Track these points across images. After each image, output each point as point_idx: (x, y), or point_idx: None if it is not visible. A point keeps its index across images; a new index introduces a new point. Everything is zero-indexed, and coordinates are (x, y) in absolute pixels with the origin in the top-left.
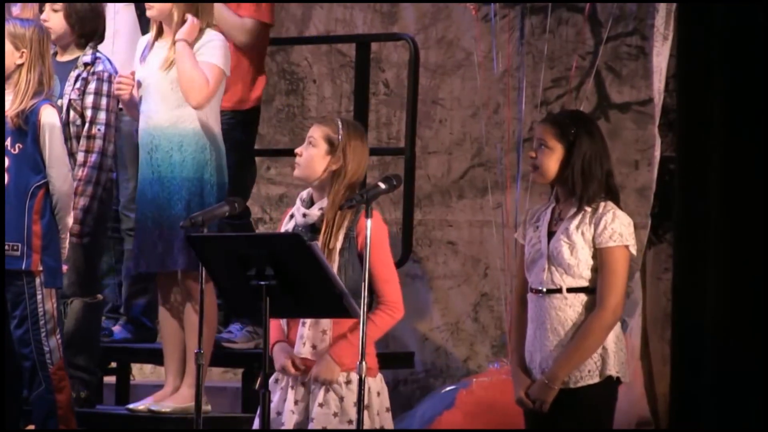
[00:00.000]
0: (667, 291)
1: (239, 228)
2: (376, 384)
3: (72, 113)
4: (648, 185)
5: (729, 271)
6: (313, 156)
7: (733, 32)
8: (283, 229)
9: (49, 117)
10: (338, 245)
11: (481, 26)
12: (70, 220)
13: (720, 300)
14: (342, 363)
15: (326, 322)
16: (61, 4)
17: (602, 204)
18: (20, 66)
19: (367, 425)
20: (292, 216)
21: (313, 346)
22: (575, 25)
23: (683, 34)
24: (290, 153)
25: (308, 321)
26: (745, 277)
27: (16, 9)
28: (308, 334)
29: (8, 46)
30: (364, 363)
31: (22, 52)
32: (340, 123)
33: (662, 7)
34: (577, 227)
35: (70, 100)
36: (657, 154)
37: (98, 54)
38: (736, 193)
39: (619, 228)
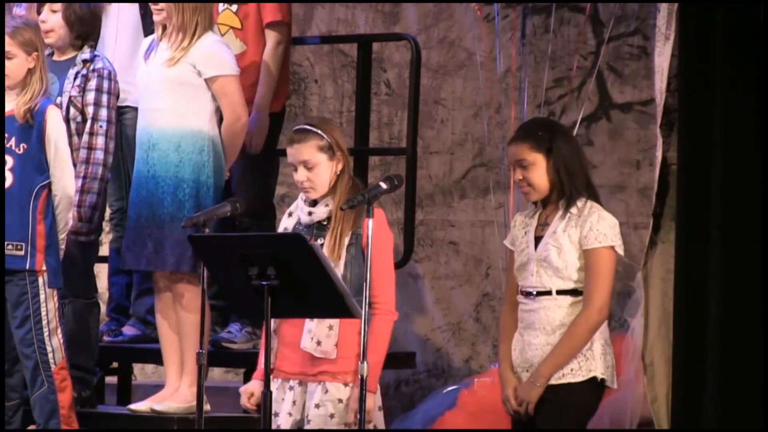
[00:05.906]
0: (669, 291)
1: (265, 229)
2: None
3: (72, 110)
4: (650, 185)
5: (732, 271)
6: (322, 173)
7: (734, 32)
8: (282, 228)
9: (54, 118)
10: (346, 240)
11: (483, 26)
12: (70, 221)
13: (723, 300)
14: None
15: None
16: (60, 5)
17: (587, 205)
18: (31, 69)
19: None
20: (290, 214)
21: (318, 342)
22: (577, 25)
23: (685, 34)
24: None
25: None
26: (748, 277)
27: (20, 9)
28: (315, 329)
29: (21, 54)
30: (365, 363)
31: (35, 56)
32: (316, 129)
33: (664, 7)
34: (564, 230)
35: (70, 97)
36: (659, 154)
37: (96, 52)
38: (738, 193)
39: (605, 229)
